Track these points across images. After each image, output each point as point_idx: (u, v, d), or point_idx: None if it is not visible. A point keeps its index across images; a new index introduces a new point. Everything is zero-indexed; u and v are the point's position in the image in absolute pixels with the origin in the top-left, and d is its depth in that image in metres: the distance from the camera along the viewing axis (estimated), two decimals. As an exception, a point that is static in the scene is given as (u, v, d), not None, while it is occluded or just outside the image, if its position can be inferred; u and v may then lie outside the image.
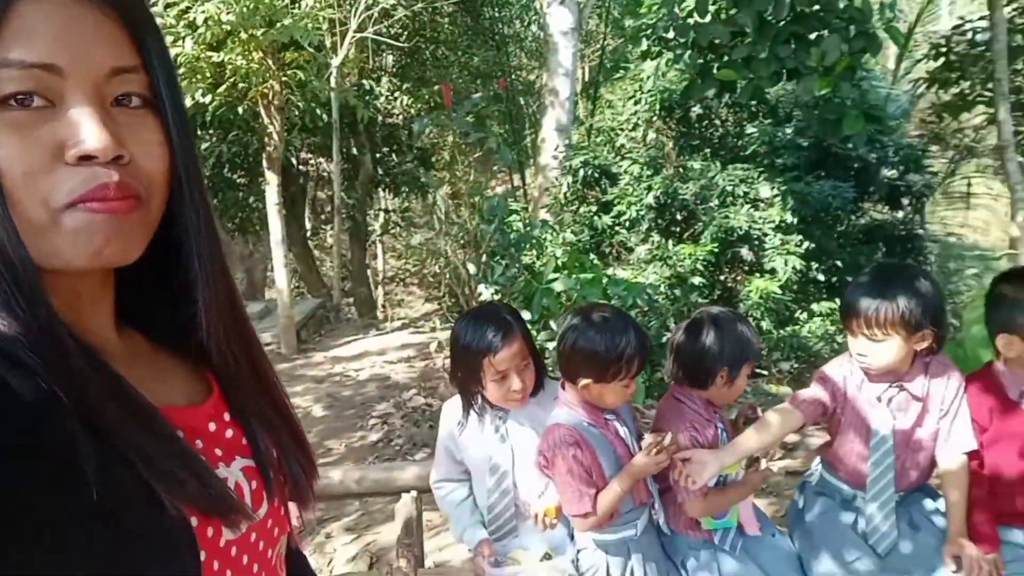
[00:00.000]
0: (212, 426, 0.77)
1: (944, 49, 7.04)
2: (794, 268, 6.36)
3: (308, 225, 11.53)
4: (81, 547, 0.57)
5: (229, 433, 0.79)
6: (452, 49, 10.22)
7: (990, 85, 6.13)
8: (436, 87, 9.30)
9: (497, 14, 10.92)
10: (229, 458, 0.76)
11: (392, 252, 12.54)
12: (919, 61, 9.62)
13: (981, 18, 6.56)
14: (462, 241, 6.06)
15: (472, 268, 5.63)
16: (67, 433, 0.57)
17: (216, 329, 0.78)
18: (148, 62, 0.67)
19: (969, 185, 9.95)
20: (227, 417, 0.80)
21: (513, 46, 11.49)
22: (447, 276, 6.41)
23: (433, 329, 6.99)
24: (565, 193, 7.42)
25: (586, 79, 11.47)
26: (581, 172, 7.28)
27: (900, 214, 7.71)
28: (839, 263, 6.93)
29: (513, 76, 10.66)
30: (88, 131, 0.60)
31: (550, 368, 2.30)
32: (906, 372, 2.09)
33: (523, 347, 2.01)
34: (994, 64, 5.46)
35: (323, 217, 12.64)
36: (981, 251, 9.86)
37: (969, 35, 6.93)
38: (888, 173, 7.33)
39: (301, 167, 10.49)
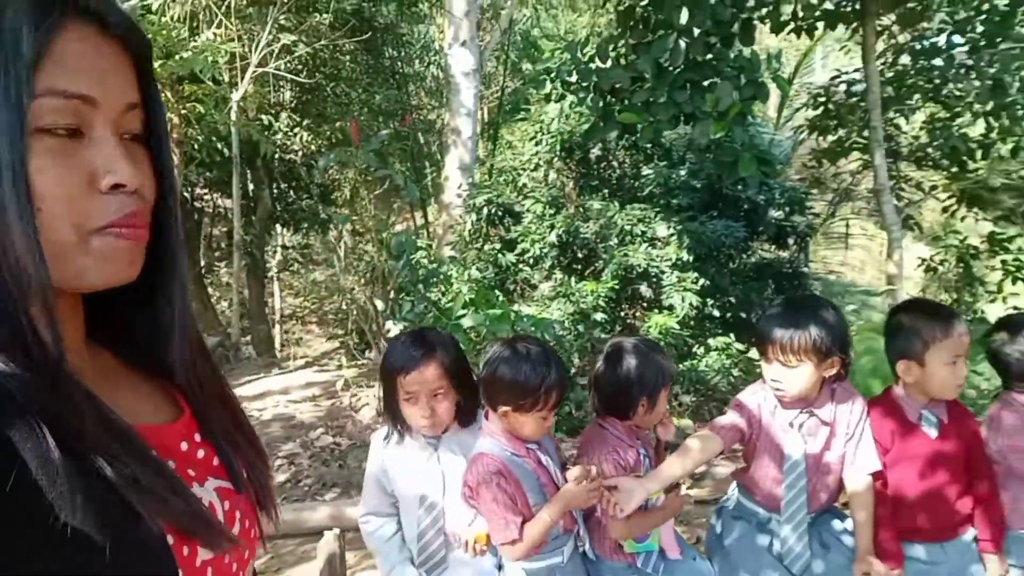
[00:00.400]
0: (184, 445, 0.79)
1: (823, 99, 7.54)
2: (691, 304, 6.58)
3: (202, 262, 11.17)
4: (61, 566, 0.57)
5: (201, 453, 0.79)
6: (352, 87, 10.20)
7: (866, 132, 6.59)
8: (337, 124, 9.26)
9: (398, 54, 11.00)
10: (202, 478, 0.76)
11: (290, 290, 12.28)
12: (798, 109, 10.27)
13: (856, 70, 7.07)
14: (367, 277, 6.02)
15: (380, 304, 5.59)
16: (42, 452, 0.57)
17: (185, 347, 0.80)
18: (147, 99, 0.71)
19: (847, 226, 10.63)
20: (198, 437, 0.81)
21: (414, 85, 11.58)
22: (353, 312, 6.33)
23: (339, 367, 6.87)
24: (469, 230, 7.47)
25: (486, 120, 11.66)
26: (485, 210, 7.37)
27: (786, 253, 8.12)
28: (732, 299, 7.24)
29: (415, 115, 10.72)
30: (120, 162, 0.65)
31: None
32: (816, 398, 2.22)
33: (440, 374, 2.03)
34: (869, 113, 5.88)
35: (217, 254, 12.28)
36: (859, 288, 10.51)
37: (844, 86, 7.45)
38: (775, 214, 7.73)
39: (196, 203, 10.18)
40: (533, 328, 5.28)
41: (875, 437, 2.26)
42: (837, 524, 2.32)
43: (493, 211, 7.38)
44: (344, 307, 7.11)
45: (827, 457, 2.24)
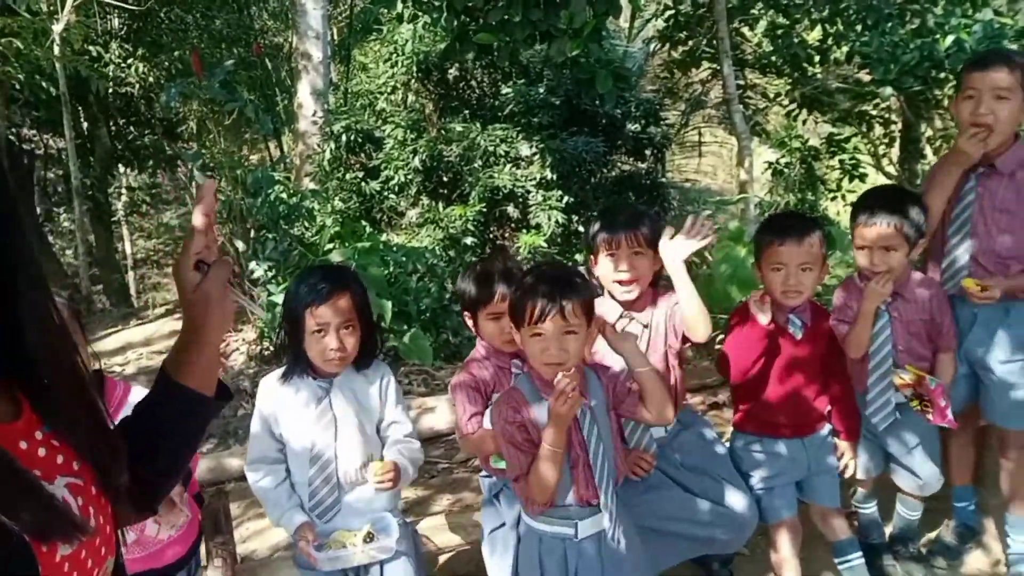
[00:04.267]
0: (23, 444, 0.76)
1: (672, 10, 7.66)
2: (557, 222, 6.70)
3: (39, 210, 10.33)
4: None
5: (42, 452, 0.76)
6: (188, 11, 9.51)
7: (714, 43, 6.78)
8: (176, 53, 8.64)
9: (237, -26, 10.29)
10: (49, 476, 0.74)
11: (141, 233, 11.58)
12: (649, 20, 10.40)
13: (702, -19, 7.21)
14: (223, 216, 5.75)
15: (240, 245, 5.38)
16: None
17: (42, 343, 0.76)
18: None
19: (700, 135, 11.00)
20: (39, 435, 0.79)
21: (256, 8, 10.91)
22: (212, 256, 6.05)
23: (203, 312, 6.59)
24: (329, 160, 7.25)
25: (336, 42, 11.16)
26: (344, 137, 7.15)
27: (644, 165, 8.33)
28: (595, 214, 7.40)
29: (260, 40, 10.14)
30: None
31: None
32: (636, 302, 2.43)
33: (350, 307, 2.01)
34: (716, 24, 6.04)
35: (55, 199, 11.38)
36: (713, 194, 10.99)
37: (693, -3, 7.59)
38: (632, 127, 7.89)
39: (25, 145, 9.34)
40: (404, 258, 5.24)
41: (742, 344, 2.43)
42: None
43: (352, 138, 7.17)
44: (203, 249, 6.78)
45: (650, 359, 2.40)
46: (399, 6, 5.66)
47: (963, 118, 2.54)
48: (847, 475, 2.64)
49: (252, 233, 5.47)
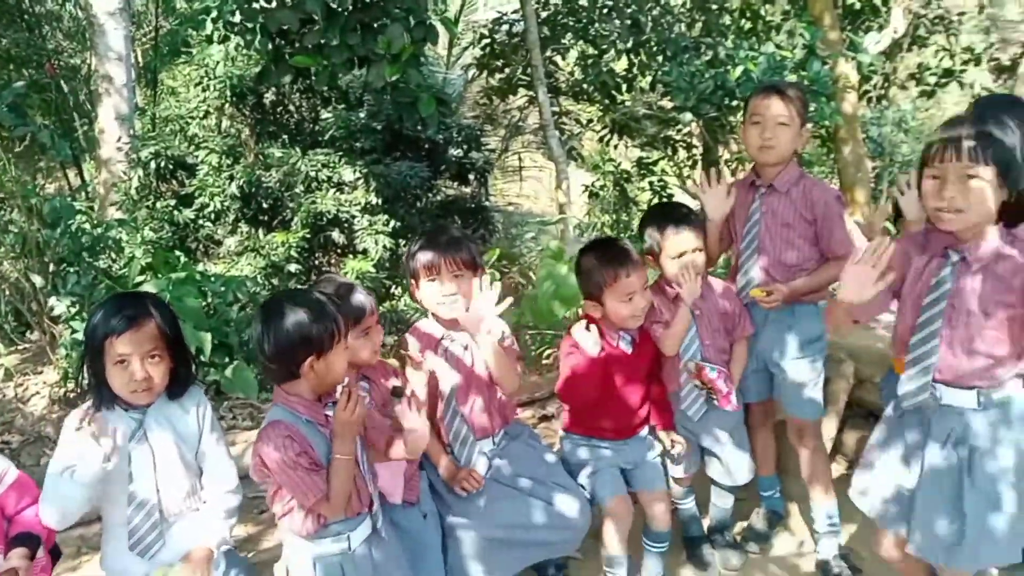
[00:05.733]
0: None
1: (488, 39, 7.89)
2: (384, 247, 6.67)
3: None
4: None
5: None
6: (-32, 30, 8.69)
7: (528, 70, 7.04)
8: (-46, 74, 7.86)
9: (26, -11, 9.52)
10: None
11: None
12: (466, 48, 10.64)
13: (515, 11, 7.48)
14: (17, 250, 5.28)
15: (38, 280, 4.95)
16: None
17: None
18: None
19: (520, 160, 11.34)
20: None
21: (48, 27, 10.14)
22: (5, 292, 5.53)
23: (-5, 355, 5.99)
24: (137, 187, 6.84)
25: (141, 64, 10.57)
26: (153, 164, 6.77)
27: (468, 189, 8.46)
28: (413, 239, 7.42)
29: (54, 61, 9.42)
30: None
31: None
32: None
33: (156, 334, 1.91)
34: (530, 52, 6.29)
35: None
36: (536, 217, 11.34)
37: (506, 26, 7.86)
38: (455, 152, 8.00)
39: None
40: (223, 288, 5.03)
41: (578, 378, 2.55)
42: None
43: (163, 164, 6.80)
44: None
45: (476, 372, 2.52)
46: (209, 27, 5.46)
47: (750, 142, 2.85)
48: (675, 451, 2.79)
49: (51, 267, 5.06)
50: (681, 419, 2.85)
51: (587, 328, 2.57)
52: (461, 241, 2.55)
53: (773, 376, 2.98)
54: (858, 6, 8.94)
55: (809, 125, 3.00)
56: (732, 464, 2.93)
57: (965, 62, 9.56)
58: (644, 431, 2.80)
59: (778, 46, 6.41)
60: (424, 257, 2.50)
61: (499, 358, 2.46)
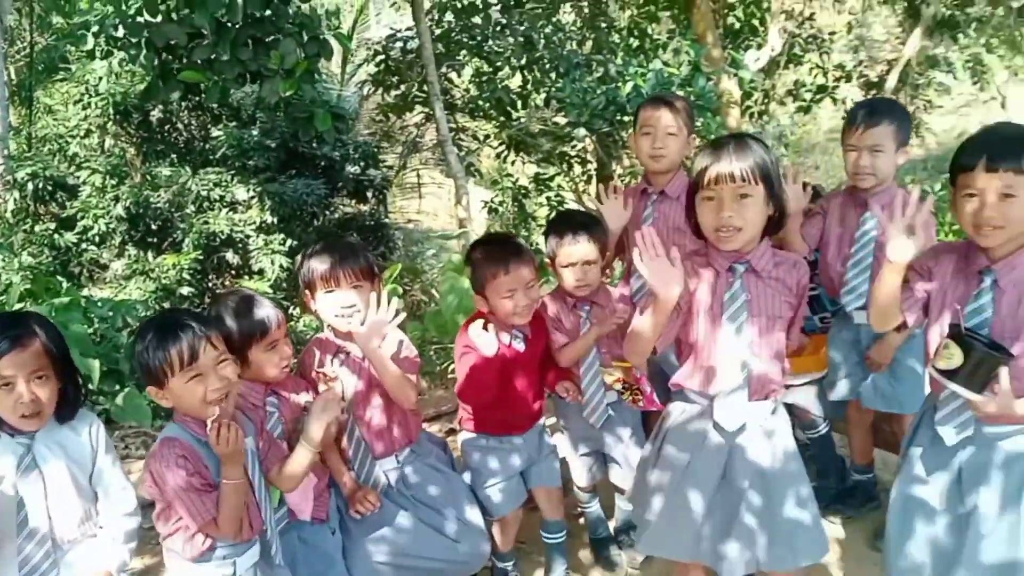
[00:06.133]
0: None
1: (382, 55, 7.87)
2: (281, 266, 6.54)
3: None
4: None
5: None
6: None
7: (425, 87, 7.06)
8: None
9: None
10: None
11: None
12: (360, 65, 10.57)
13: (408, 28, 7.50)
14: None
15: (-97, 310, 4.61)
16: None
17: None
18: None
19: (419, 176, 11.33)
20: None
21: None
22: None
23: None
24: (13, 211, 6.49)
25: (15, 82, 10.04)
26: (30, 186, 6.43)
27: (366, 207, 8.40)
28: (308, 252, 7.31)
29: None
30: None
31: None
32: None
33: (42, 353, 1.82)
34: (425, 68, 6.31)
35: None
36: (436, 233, 11.33)
37: (401, 43, 7.86)
38: (352, 169, 7.93)
39: None
40: (111, 313, 4.82)
41: (476, 378, 2.55)
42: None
43: (40, 186, 6.47)
44: None
45: (375, 387, 2.52)
46: (90, 42, 5.25)
47: (641, 152, 2.95)
48: (568, 398, 2.79)
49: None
50: (583, 429, 2.90)
51: (484, 328, 2.56)
52: (358, 250, 2.50)
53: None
54: (738, 26, 9.40)
55: (694, 137, 3.13)
56: (633, 462, 2.99)
57: (837, 79, 10.16)
58: (540, 422, 2.84)
59: (665, 63, 6.66)
60: (321, 267, 2.43)
61: (391, 372, 2.42)
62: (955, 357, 1.87)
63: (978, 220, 1.90)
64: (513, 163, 8.63)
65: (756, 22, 9.37)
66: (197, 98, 6.83)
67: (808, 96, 9.92)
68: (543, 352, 2.78)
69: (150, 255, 6.47)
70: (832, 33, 10.95)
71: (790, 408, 3.21)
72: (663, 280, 1.99)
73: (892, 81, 10.62)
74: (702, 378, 2.17)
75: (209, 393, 1.85)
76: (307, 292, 2.48)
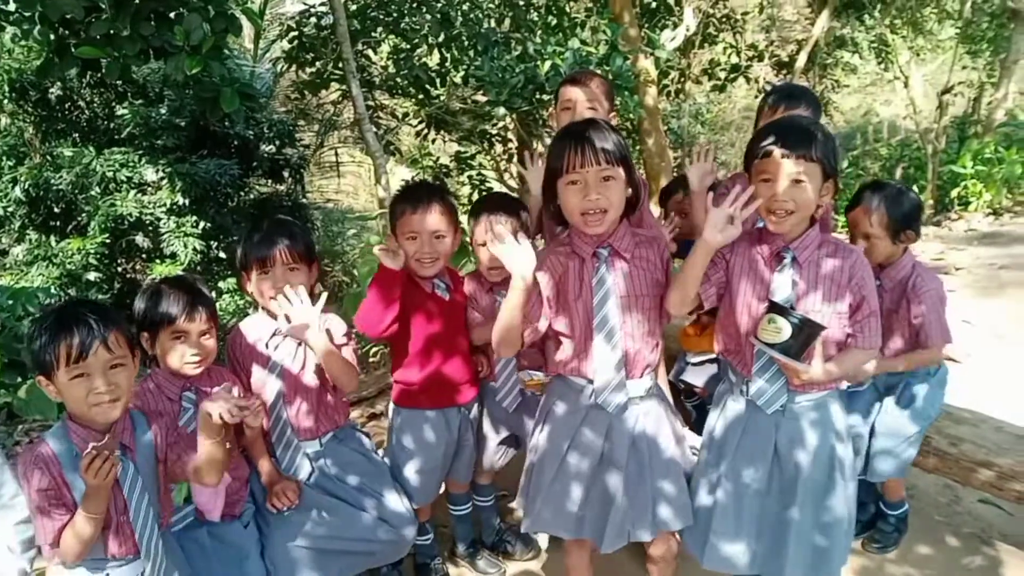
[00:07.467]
0: None
1: (296, 32, 7.66)
2: (195, 249, 6.34)
3: None
4: None
5: None
6: None
7: (340, 64, 6.90)
8: None
9: None
10: None
11: None
12: (274, 41, 10.27)
13: (322, 3, 7.31)
14: None
15: None
16: None
17: None
18: None
19: (337, 155, 11.10)
20: None
21: None
22: None
23: None
24: (-103, 195, 6.11)
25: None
26: (-83, 168, 6.07)
27: (283, 186, 8.20)
28: (237, 238, 7.12)
29: None
30: None
31: None
32: None
33: None
34: (340, 45, 6.16)
35: None
36: (355, 213, 11.15)
37: (315, 19, 7.66)
38: (267, 149, 7.72)
39: None
40: (12, 301, 4.60)
41: (380, 293, 2.56)
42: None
43: (-71, 169, 6.12)
44: None
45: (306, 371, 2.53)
46: (-22, 15, 4.94)
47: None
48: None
49: None
50: (495, 411, 2.92)
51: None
52: (296, 233, 2.48)
53: None
54: (654, 5, 9.48)
55: (614, 114, 3.15)
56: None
57: (750, 58, 10.41)
58: (473, 407, 2.85)
59: (583, 42, 6.67)
60: (257, 250, 2.42)
61: (334, 359, 2.42)
62: (783, 330, 1.98)
63: (771, 205, 2.04)
64: (434, 141, 8.55)
65: (671, 1, 9.47)
66: (98, 75, 6.53)
67: (723, 75, 10.12)
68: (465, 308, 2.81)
69: (53, 240, 6.18)
70: (745, 13, 11.18)
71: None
72: (517, 260, 2.03)
73: (802, 61, 10.90)
74: (579, 362, 2.22)
75: (92, 396, 1.76)
76: (243, 273, 2.47)
